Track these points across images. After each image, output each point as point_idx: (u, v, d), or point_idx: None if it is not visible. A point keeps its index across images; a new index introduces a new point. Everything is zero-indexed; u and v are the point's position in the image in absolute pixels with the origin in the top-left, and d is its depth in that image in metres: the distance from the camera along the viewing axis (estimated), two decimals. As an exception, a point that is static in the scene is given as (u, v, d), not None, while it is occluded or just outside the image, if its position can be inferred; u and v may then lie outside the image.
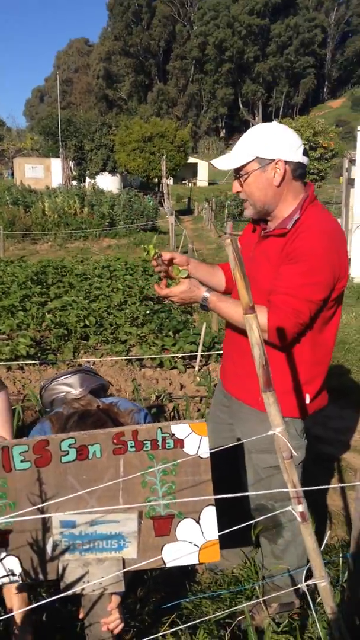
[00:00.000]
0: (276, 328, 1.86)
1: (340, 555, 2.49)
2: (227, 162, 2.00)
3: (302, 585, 1.38)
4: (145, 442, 1.68)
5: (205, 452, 1.69)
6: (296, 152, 1.93)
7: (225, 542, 2.48)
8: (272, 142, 1.91)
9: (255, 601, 2.31)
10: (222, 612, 2.24)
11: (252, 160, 1.93)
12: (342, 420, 4.46)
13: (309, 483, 3.32)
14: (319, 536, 2.91)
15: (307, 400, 2.10)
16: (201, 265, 2.30)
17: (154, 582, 2.47)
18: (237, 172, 1.99)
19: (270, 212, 2.02)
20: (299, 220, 1.94)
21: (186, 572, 2.60)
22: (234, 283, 2.25)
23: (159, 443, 1.68)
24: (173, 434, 1.68)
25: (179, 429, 1.69)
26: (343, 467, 3.72)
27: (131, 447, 1.68)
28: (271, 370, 2.00)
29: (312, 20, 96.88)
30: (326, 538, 1.59)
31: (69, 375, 2.37)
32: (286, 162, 1.92)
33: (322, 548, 2.13)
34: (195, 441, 1.69)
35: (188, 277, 2.02)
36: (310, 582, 1.36)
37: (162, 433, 1.68)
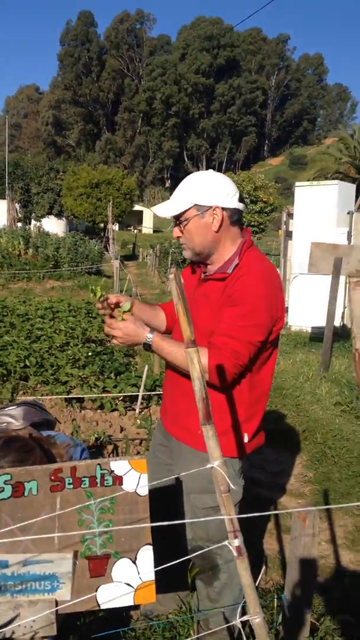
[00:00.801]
0: (216, 369, 1.89)
1: (275, 597, 2.50)
2: (166, 209, 2.05)
3: (237, 622, 1.38)
4: (83, 479, 1.67)
5: (144, 490, 1.69)
6: (232, 198, 2.02)
7: (162, 586, 2.44)
8: (209, 189, 1.99)
9: (190, 646, 2.27)
10: (157, 659, 2.19)
11: (191, 207, 2.00)
12: (279, 464, 4.52)
13: (246, 526, 3.34)
14: (254, 578, 2.92)
15: (246, 440, 2.14)
16: (144, 307, 2.33)
17: (87, 628, 2.39)
18: (177, 219, 2.06)
19: (209, 256, 2.09)
20: (238, 265, 2.02)
21: (120, 618, 2.52)
22: (175, 321, 2.31)
23: (97, 480, 1.68)
24: (112, 471, 1.68)
25: (118, 466, 1.69)
26: (280, 509, 3.76)
27: (69, 484, 1.67)
28: (218, 412, 2.05)
29: (254, 82, 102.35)
30: (260, 577, 1.60)
31: (14, 407, 2.34)
32: (223, 209, 2.01)
33: (257, 587, 2.13)
34: (134, 478, 1.69)
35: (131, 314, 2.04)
36: (244, 618, 1.37)
37: (101, 469, 1.68)
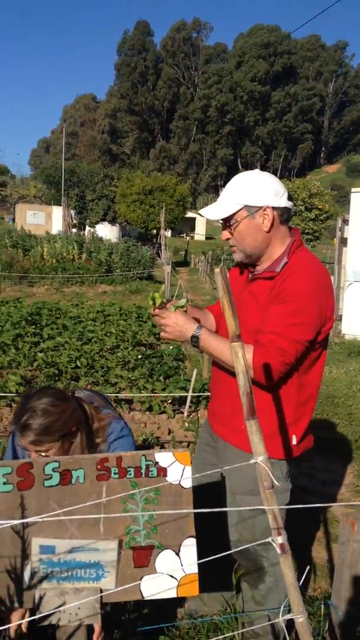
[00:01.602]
0: (261, 366, 1.87)
1: (322, 604, 2.44)
2: (216, 211, 2.03)
3: (280, 620, 1.36)
4: (128, 469, 1.69)
5: (187, 482, 1.69)
6: (282, 197, 1.99)
7: (207, 587, 2.44)
8: (259, 189, 1.96)
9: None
10: (199, 658, 2.18)
11: (241, 209, 1.97)
12: (329, 473, 4.43)
13: (295, 532, 3.29)
14: (302, 587, 2.86)
15: (294, 442, 2.11)
16: (194, 310, 2.32)
17: (131, 624, 2.40)
18: (227, 221, 2.02)
19: (260, 257, 2.06)
20: (287, 264, 1.99)
21: (164, 617, 2.53)
22: (222, 320, 2.31)
23: (142, 471, 1.69)
24: (157, 462, 1.69)
25: (163, 458, 1.70)
26: (329, 519, 3.68)
27: (114, 473, 1.69)
28: (257, 411, 2.04)
29: (311, 89, 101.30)
30: (302, 578, 1.57)
31: (79, 390, 2.48)
32: (273, 208, 1.98)
33: (304, 592, 2.10)
34: (178, 470, 1.69)
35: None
36: (288, 616, 1.34)
37: (146, 461, 1.69)
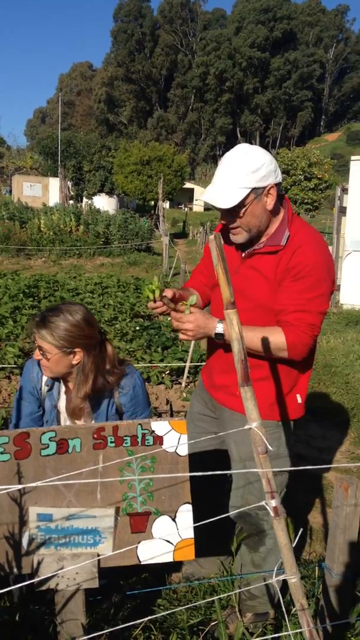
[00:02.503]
0: (295, 344, 1.93)
1: (317, 567, 2.50)
2: (224, 200, 1.92)
3: (273, 581, 1.39)
4: (125, 438, 1.71)
5: (183, 450, 1.71)
6: (279, 172, 1.98)
7: (204, 550, 2.49)
8: (262, 169, 1.90)
9: (229, 609, 2.31)
10: (196, 619, 2.24)
11: (249, 193, 1.92)
12: (325, 441, 4.48)
13: (291, 499, 3.35)
14: (297, 550, 2.92)
15: (299, 401, 2.17)
16: (181, 293, 2.21)
17: (128, 587, 2.46)
18: (233, 208, 1.93)
19: (261, 235, 2.04)
20: (289, 236, 1.99)
21: (162, 580, 2.59)
22: (207, 295, 2.30)
23: (139, 439, 1.71)
24: (153, 431, 1.71)
25: (159, 426, 1.71)
26: (325, 485, 3.73)
27: (111, 442, 1.71)
28: (265, 379, 2.06)
29: (311, 55, 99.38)
30: (297, 537, 1.60)
31: None
32: (276, 185, 1.95)
33: (299, 556, 2.15)
34: (174, 438, 1.71)
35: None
36: (281, 577, 1.37)
37: (142, 429, 1.71)
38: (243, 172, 1.89)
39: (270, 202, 1.95)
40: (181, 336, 1.98)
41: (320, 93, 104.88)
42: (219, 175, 1.96)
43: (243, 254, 2.10)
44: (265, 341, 1.94)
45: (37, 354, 2.13)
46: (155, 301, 1.92)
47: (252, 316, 2.02)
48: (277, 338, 1.93)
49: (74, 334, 2.07)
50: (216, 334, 1.95)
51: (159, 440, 1.71)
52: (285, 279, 1.97)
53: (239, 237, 2.03)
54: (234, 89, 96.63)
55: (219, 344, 2.19)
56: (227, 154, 1.99)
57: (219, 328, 1.94)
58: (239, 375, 1.36)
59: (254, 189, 1.91)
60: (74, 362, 2.12)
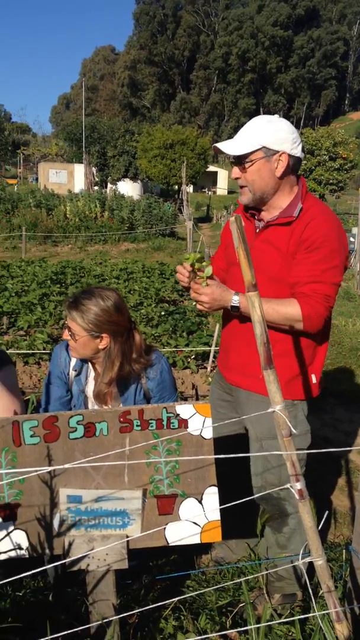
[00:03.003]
0: (311, 316, 1.94)
1: (344, 550, 2.51)
2: (234, 147, 2.02)
3: (299, 563, 1.40)
4: (150, 421, 1.73)
5: (208, 433, 1.73)
6: (298, 147, 2.03)
7: (234, 534, 2.52)
8: (279, 134, 1.98)
9: (257, 591, 2.33)
10: (225, 600, 2.27)
11: (259, 149, 1.99)
12: (352, 424, 4.45)
13: (318, 481, 3.34)
14: (324, 533, 2.93)
15: (314, 381, 2.17)
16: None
17: (158, 570, 2.50)
18: (240, 159, 2.03)
19: (266, 201, 2.09)
20: (302, 209, 2.03)
21: (191, 563, 2.62)
22: (232, 270, 2.30)
23: (164, 423, 1.73)
24: (178, 414, 1.73)
25: (184, 410, 1.73)
26: (352, 469, 3.72)
27: (137, 426, 1.73)
28: (278, 357, 2.07)
29: (335, 32, 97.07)
30: (323, 520, 1.61)
31: None
32: (289, 156, 2.00)
33: (326, 538, 2.17)
34: (199, 422, 1.73)
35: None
36: (307, 559, 1.39)
37: (167, 413, 1.73)
38: (259, 128, 1.99)
39: (280, 169, 2.00)
40: (198, 306, 2.04)
41: (345, 71, 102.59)
42: (239, 131, 2.06)
43: (257, 229, 2.15)
44: (280, 312, 1.95)
45: (65, 334, 2.17)
46: (191, 267, 1.99)
47: (264, 289, 2.02)
48: (293, 309, 1.94)
49: (102, 319, 2.10)
50: (232, 307, 2.00)
51: (183, 423, 1.73)
52: (299, 252, 2.00)
53: (244, 197, 2.10)
54: (256, 69, 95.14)
55: (233, 323, 2.21)
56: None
57: (235, 300, 1.98)
58: (261, 358, 1.36)
59: (265, 148, 1.98)
60: (101, 346, 2.15)
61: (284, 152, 1.98)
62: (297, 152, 2.02)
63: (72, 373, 2.28)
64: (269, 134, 1.97)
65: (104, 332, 2.12)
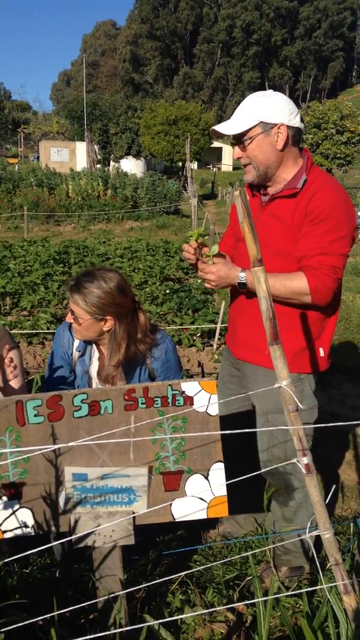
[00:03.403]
0: (318, 288, 1.92)
1: (352, 523, 2.51)
2: (231, 127, 2.01)
3: (307, 537, 1.40)
4: (155, 399, 1.71)
5: (214, 410, 1.71)
6: (296, 117, 1.99)
7: (241, 509, 2.52)
8: (274, 107, 1.96)
9: (265, 564, 2.34)
10: (232, 574, 2.28)
11: (256, 125, 1.97)
12: (359, 399, 4.44)
13: (325, 456, 3.34)
14: (331, 507, 2.93)
15: (322, 354, 2.15)
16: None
17: (165, 545, 2.51)
18: (240, 138, 2.01)
19: (270, 176, 2.06)
20: (307, 181, 2.00)
21: (198, 537, 2.63)
22: (231, 253, 2.28)
23: (169, 400, 1.71)
24: (183, 392, 1.71)
25: (189, 387, 1.71)
26: (359, 443, 3.72)
27: (142, 403, 1.71)
28: (285, 330, 2.05)
29: (342, 2, 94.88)
30: (330, 494, 1.60)
31: None
32: (288, 127, 1.97)
33: (333, 511, 2.17)
34: (204, 399, 1.71)
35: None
36: (314, 533, 1.38)
37: (172, 390, 1.71)
38: (254, 104, 1.98)
39: (280, 141, 1.98)
40: (206, 284, 2.03)
41: (352, 42, 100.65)
42: (235, 111, 2.05)
43: (263, 203, 2.13)
44: (287, 286, 1.94)
45: (69, 317, 2.16)
46: (196, 243, 1.98)
47: (270, 263, 2.01)
48: (300, 282, 1.92)
49: (106, 302, 2.08)
50: (239, 283, 1.98)
51: (189, 400, 1.71)
52: (305, 225, 1.98)
53: (249, 175, 2.08)
54: (261, 42, 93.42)
55: (240, 298, 2.19)
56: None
57: (241, 277, 1.97)
58: (267, 333, 1.34)
59: (262, 123, 1.96)
60: (105, 328, 2.14)
61: (282, 124, 1.96)
62: (296, 122, 1.99)
63: (76, 354, 2.26)
64: (264, 108, 1.95)
65: (107, 315, 2.11)
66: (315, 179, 2.01)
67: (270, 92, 2.04)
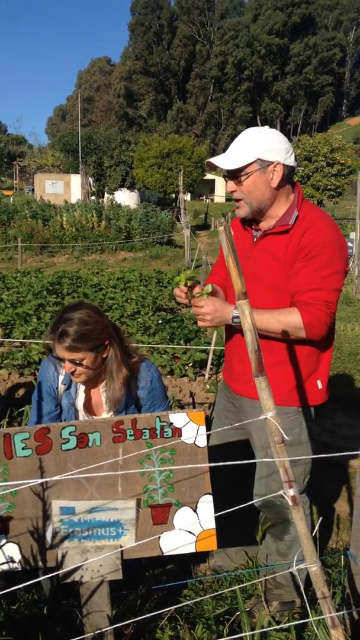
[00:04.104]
0: (312, 323, 1.94)
1: (342, 555, 2.49)
2: (227, 161, 2.03)
3: (294, 570, 1.39)
4: (144, 430, 1.72)
5: (202, 441, 1.72)
6: (292, 156, 2.04)
7: (232, 542, 2.50)
8: (272, 145, 1.99)
9: (256, 598, 2.31)
10: (222, 609, 2.25)
11: (253, 162, 1.99)
12: (351, 429, 4.44)
13: (317, 488, 3.32)
14: (325, 539, 2.91)
15: (320, 386, 2.16)
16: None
17: (155, 579, 2.48)
18: (236, 173, 2.03)
19: (264, 212, 2.09)
20: (298, 216, 2.03)
21: (188, 571, 2.60)
22: (229, 280, 2.30)
23: (157, 432, 1.72)
24: (171, 423, 1.72)
25: (177, 418, 1.72)
26: (351, 474, 3.70)
27: (130, 435, 1.72)
28: (281, 364, 2.06)
29: (331, 39, 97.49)
30: (317, 524, 1.59)
31: None
32: (283, 166, 2.01)
33: (326, 544, 2.16)
34: (192, 430, 1.72)
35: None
36: (301, 566, 1.37)
37: (160, 422, 1.72)
38: (252, 141, 2.00)
39: (275, 179, 2.01)
40: (200, 323, 2.03)
41: (342, 77, 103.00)
42: (231, 145, 2.07)
43: (255, 238, 2.16)
44: (282, 322, 1.95)
45: (68, 368, 2.08)
46: (185, 287, 1.99)
47: (263, 298, 2.05)
48: (294, 317, 1.94)
49: (96, 329, 2.08)
50: (233, 318, 1.99)
51: (177, 432, 1.72)
52: (298, 260, 2.00)
53: (241, 210, 2.10)
54: (253, 77, 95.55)
55: (236, 333, 2.21)
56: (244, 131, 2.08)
57: (236, 313, 1.98)
58: (253, 365, 1.36)
59: (259, 160, 1.98)
60: (105, 354, 2.14)
61: (278, 162, 1.99)
62: (291, 161, 2.03)
63: (62, 387, 2.25)
64: (262, 145, 1.98)
65: (105, 340, 2.11)
66: (306, 214, 2.04)
67: (266, 128, 2.06)
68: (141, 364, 2.26)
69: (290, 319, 1.94)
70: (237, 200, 2.10)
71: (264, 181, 2.01)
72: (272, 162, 1.98)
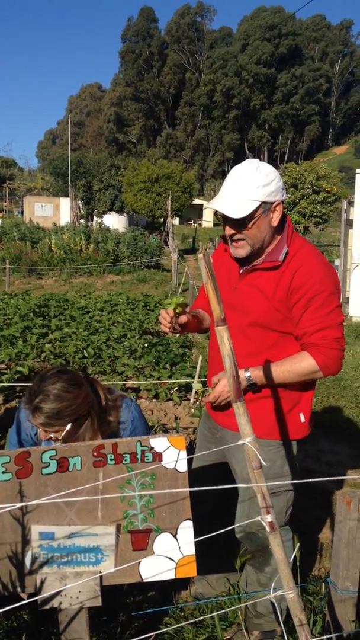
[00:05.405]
0: (327, 363, 1.96)
1: (323, 582, 2.48)
2: (234, 209, 1.93)
3: (271, 597, 1.40)
4: (124, 455, 1.73)
5: (183, 466, 1.73)
6: (284, 191, 2.02)
7: (213, 569, 2.49)
8: (272, 185, 1.94)
9: (236, 627, 2.30)
10: (203, 636, 2.23)
11: (259, 206, 1.94)
12: (335, 455, 4.45)
13: (300, 515, 3.32)
14: (307, 567, 2.90)
15: (302, 420, 2.16)
16: (190, 318, 2.23)
17: (136, 606, 2.46)
18: (244, 220, 1.95)
19: (262, 251, 2.05)
20: (288, 253, 2.01)
21: (169, 598, 2.58)
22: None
23: (138, 456, 1.73)
24: (152, 448, 1.73)
25: (158, 443, 1.73)
26: (334, 500, 3.70)
27: (110, 460, 1.72)
28: (264, 398, 2.07)
29: (317, 70, 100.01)
30: (295, 551, 1.60)
31: None
32: (282, 202, 2.00)
33: (309, 571, 2.16)
34: (173, 455, 1.73)
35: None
36: (278, 593, 1.38)
37: (141, 446, 1.73)
38: (255, 184, 1.92)
39: (275, 218, 1.99)
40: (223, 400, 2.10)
41: (327, 107, 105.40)
42: (229, 186, 1.98)
43: (242, 270, 2.12)
44: (296, 372, 1.98)
45: (43, 436, 2.04)
46: (173, 312, 2.01)
47: (248, 333, 2.05)
48: (308, 363, 1.96)
49: (73, 404, 1.99)
50: (248, 385, 2.03)
51: (158, 456, 1.73)
52: (294, 304, 1.99)
53: (242, 250, 2.03)
54: (241, 106, 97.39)
55: (220, 364, 2.19)
56: (237, 167, 2.01)
57: (248, 379, 2.02)
58: (231, 391, 1.38)
59: (263, 203, 1.94)
60: (84, 422, 2.06)
61: (279, 201, 1.97)
62: (285, 195, 2.02)
63: (42, 434, 2.11)
64: (265, 187, 1.92)
65: (82, 412, 2.03)
66: (297, 251, 2.01)
67: (263, 165, 1.99)
68: (121, 407, 2.22)
69: (304, 366, 1.97)
70: (236, 240, 2.03)
71: (267, 222, 1.98)
72: (273, 203, 1.96)
